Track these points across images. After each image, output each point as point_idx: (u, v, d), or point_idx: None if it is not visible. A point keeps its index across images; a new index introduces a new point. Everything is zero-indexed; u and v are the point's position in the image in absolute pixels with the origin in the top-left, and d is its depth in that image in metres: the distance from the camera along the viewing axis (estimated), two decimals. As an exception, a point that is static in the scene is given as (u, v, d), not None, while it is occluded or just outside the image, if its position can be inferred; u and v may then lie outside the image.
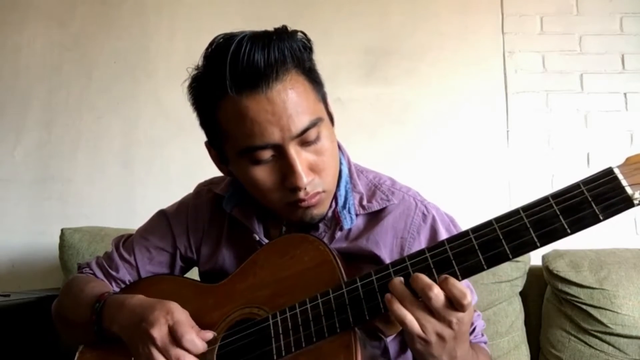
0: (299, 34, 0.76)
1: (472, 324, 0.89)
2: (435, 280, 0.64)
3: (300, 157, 0.74)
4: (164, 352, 0.72)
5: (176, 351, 0.72)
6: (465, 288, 0.62)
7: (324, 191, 0.79)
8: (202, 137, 0.86)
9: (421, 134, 2.09)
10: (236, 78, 0.71)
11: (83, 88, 2.16)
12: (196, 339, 0.73)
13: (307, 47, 0.77)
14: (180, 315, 0.75)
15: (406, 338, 0.67)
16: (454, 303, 0.62)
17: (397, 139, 2.08)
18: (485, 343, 0.90)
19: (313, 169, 0.77)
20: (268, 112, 0.71)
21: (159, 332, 0.72)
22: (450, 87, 2.10)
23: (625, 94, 2.06)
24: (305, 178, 0.74)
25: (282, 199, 0.78)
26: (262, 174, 0.76)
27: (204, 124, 0.83)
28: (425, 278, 0.64)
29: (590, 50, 2.10)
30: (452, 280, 0.63)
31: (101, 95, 2.15)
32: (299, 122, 0.73)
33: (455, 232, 0.84)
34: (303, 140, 0.74)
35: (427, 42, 2.13)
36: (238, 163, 0.78)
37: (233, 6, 2.17)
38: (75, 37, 2.19)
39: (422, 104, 2.10)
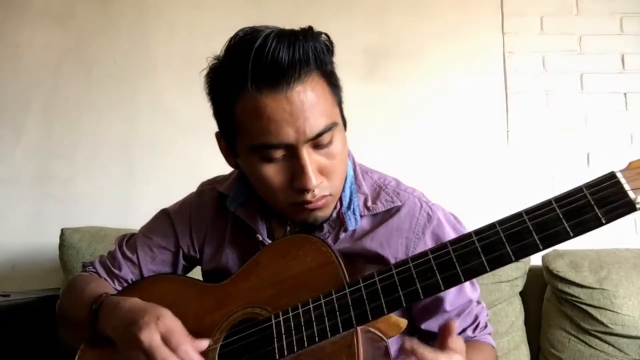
0: (323, 35, 0.76)
1: (477, 318, 0.91)
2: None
3: (311, 159, 0.74)
4: (150, 356, 0.70)
5: (163, 354, 0.70)
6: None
7: (330, 195, 0.79)
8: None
9: (421, 134, 2.09)
10: (258, 74, 0.71)
11: (83, 88, 2.15)
12: (190, 349, 0.72)
13: (329, 49, 0.77)
14: (172, 322, 0.74)
15: None
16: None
17: (396, 139, 2.08)
18: (489, 334, 0.91)
19: (322, 172, 0.77)
20: (286, 111, 0.71)
21: (147, 337, 0.71)
22: (450, 87, 2.10)
23: (625, 94, 2.06)
24: (314, 180, 0.74)
25: (288, 199, 0.78)
26: (272, 172, 0.76)
27: (217, 114, 0.82)
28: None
29: (590, 50, 2.10)
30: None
31: (101, 95, 2.15)
32: (315, 125, 0.73)
33: (461, 231, 0.85)
34: (316, 143, 0.75)
35: (427, 42, 2.13)
36: (248, 158, 0.78)
37: (233, 6, 2.16)
38: (75, 37, 2.18)
39: (421, 104, 2.10)
